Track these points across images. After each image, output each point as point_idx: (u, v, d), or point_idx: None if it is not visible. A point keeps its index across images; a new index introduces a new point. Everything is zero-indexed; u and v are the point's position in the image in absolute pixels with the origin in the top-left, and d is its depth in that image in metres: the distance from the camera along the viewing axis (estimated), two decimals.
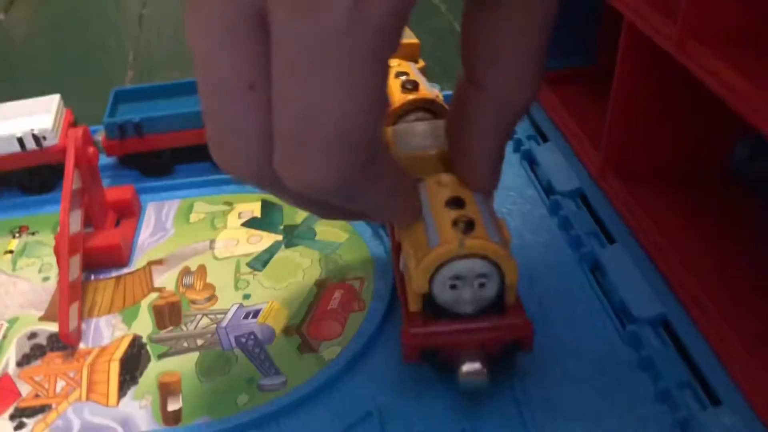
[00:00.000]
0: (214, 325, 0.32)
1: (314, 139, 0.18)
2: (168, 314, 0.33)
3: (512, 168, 0.41)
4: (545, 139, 0.42)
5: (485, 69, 0.23)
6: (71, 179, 0.34)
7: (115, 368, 0.31)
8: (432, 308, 0.26)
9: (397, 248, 0.29)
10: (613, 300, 0.31)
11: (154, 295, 0.34)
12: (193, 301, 0.34)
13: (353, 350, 0.30)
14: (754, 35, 0.27)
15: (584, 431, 0.26)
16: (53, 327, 0.33)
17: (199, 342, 0.31)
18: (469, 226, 0.25)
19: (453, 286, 0.25)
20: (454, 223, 0.25)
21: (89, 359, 0.31)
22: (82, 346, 0.32)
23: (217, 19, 0.18)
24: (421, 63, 0.42)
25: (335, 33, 0.17)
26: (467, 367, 0.26)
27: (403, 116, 0.34)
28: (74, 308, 0.32)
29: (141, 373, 0.30)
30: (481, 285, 0.25)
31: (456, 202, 0.26)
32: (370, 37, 0.17)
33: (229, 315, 0.33)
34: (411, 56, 0.41)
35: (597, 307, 0.31)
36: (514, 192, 0.39)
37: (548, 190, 0.38)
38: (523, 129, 0.43)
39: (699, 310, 0.29)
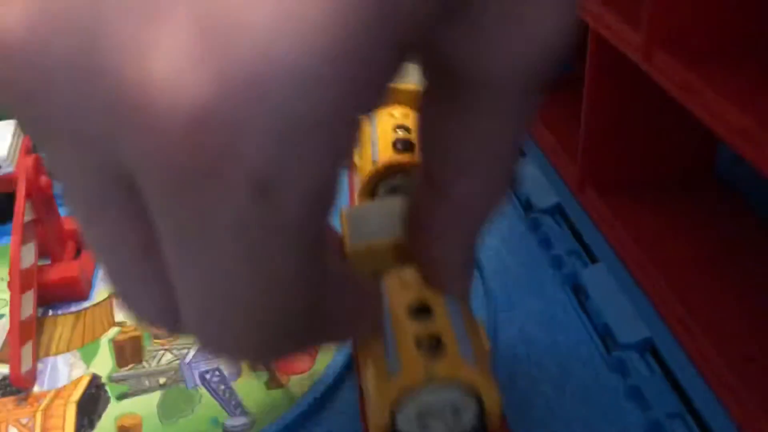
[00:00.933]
0: (178, 361, 0.30)
1: (229, 323, 0.14)
2: (129, 350, 0.31)
3: None
4: (522, 154, 0.40)
5: (450, 177, 0.18)
6: (22, 211, 0.32)
7: (71, 412, 0.29)
8: None
9: (355, 353, 0.24)
10: (597, 324, 0.30)
11: (115, 330, 0.32)
12: (156, 336, 0.32)
13: (325, 383, 0.28)
14: (723, 43, 0.26)
15: None
16: (4, 369, 0.31)
17: (161, 380, 0.30)
18: (438, 346, 0.20)
19: (422, 423, 0.20)
20: (418, 342, 0.20)
21: (44, 403, 0.29)
22: (36, 388, 0.30)
23: (81, 186, 0.14)
24: None
25: (233, 224, 0.12)
26: None
27: (384, 179, 0.29)
28: (27, 348, 0.30)
29: (99, 416, 0.28)
30: (457, 414, 0.20)
31: (421, 310, 0.21)
32: (285, 228, 0.12)
33: (194, 349, 0.31)
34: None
35: (580, 331, 0.30)
36: None
37: (527, 206, 0.37)
38: None
39: (686, 332, 0.27)
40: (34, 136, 0.13)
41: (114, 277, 0.15)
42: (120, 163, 0.12)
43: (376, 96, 0.12)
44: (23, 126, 0.13)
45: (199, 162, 0.11)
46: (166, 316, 0.15)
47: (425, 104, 0.17)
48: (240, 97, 0.11)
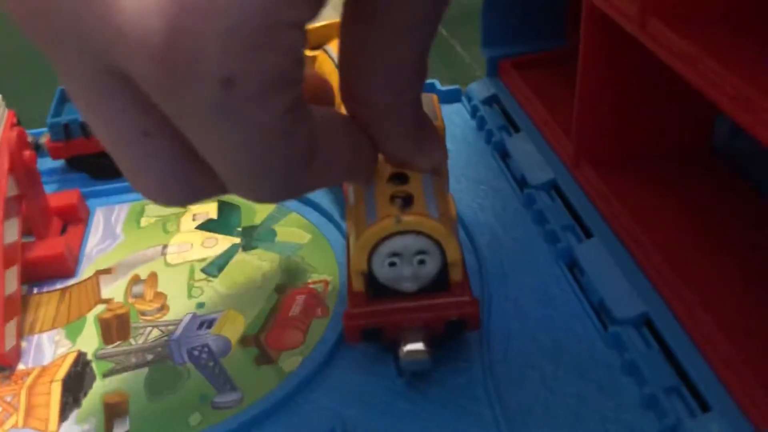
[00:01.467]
0: (165, 338, 0.30)
1: (242, 178, 0.18)
2: (115, 327, 0.31)
3: (484, 161, 0.39)
4: (517, 129, 0.40)
5: (357, 86, 0.22)
6: (5, 186, 0.31)
7: (56, 390, 0.28)
8: (374, 287, 0.25)
9: (347, 225, 0.28)
10: (593, 299, 0.29)
11: (101, 308, 0.32)
12: (143, 312, 0.31)
13: (315, 360, 0.28)
14: (720, 12, 0.25)
15: None
16: None
17: (149, 357, 0.29)
18: (407, 201, 0.24)
19: (392, 264, 0.24)
20: (392, 198, 0.24)
21: (28, 381, 0.28)
22: (20, 366, 0.29)
23: (82, 83, 0.17)
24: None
25: (209, 113, 0.16)
26: (409, 346, 0.25)
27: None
28: (11, 325, 0.30)
29: (85, 394, 0.28)
30: (421, 262, 0.25)
31: (399, 178, 0.25)
32: (251, 111, 0.16)
33: (182, 326, 0.30)
34: None
35: (576, 307, 0.30)
36: (485, 186, 0.37)
37: (521, 182, 0.36)
38: (493, 119, 0.41)
39: (682, 306, 0.27)
40: (43, 46, 0.17)
41: (119, 157, 0.18)
42: (117, 65, 0.16)
43: (310, 4, 0.16)
44: (34, 38, 0.17)
45: (176, 68, 0.15)
46: (171, 191, 0.19)
47: (342, 25, 0.21)
48: (199, 13, 0.14)
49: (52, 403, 0.27)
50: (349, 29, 0.21)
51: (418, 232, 0.24)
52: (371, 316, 0.25)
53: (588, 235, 0.32)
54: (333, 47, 0.34)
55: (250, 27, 0.15)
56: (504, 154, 0.39)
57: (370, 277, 0.25)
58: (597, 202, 0.33)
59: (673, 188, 0.32)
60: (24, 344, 0.30)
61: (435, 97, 0.29)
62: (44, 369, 0.29)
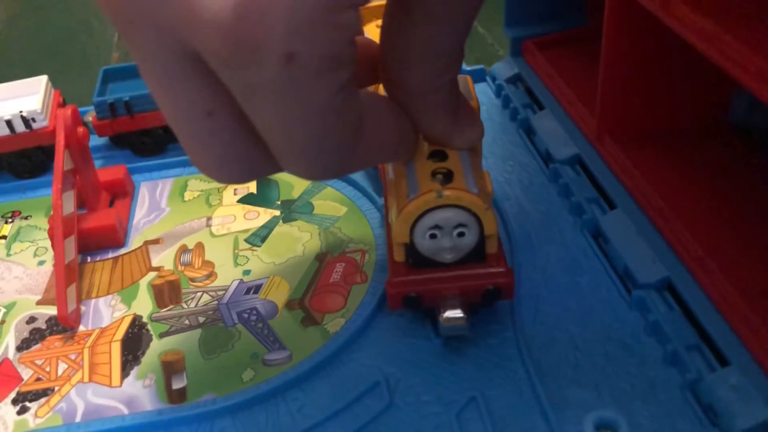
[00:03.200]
0: (215, 302, 0.32)
1: (296, 154, 0.20)
2: (167, 293, 0.33)
3: (509, 137, 0.41)
4: (541, 107, 0.41)
5: (396, 70, 0.23)
6: (62, 160, 0.33)
7: (116, 349, 0.30)
8: (415, 258, 0.27)
9: (386, 192, 0.30)
10: (617, 266, 0.31)
11: (152, 275, 0.34)
12: (192, 279, 0.33)
13: (357, 322, 0.30)
14: None
15: (594, 396, 0.26)
16: (51, 310, 0.32)
17: (201, 319, 0.31)
18: (448, 177, 0.26)
19: (432, 236, 0.26)
20: (433, 174, 0.26)
21: (89, 341, 0.31)
22: (81, 328, 0.31)
23: (154, 61, 0.19)
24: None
25: (272, 87, 0.17)
26: (448, 313, 0.27)
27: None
28: (71, 290, 0.32)
29: (143, 353, 0.30)
30: (460, 234, 0.26)
31: (438, 155, 0.27)
32: (309, 86, 0.18)
33: (230, 291, 0.32)
34: None
35: (601, 273, 0.31)
36: (512, 161, 0.39)
37: (546, 158, 0.38)
38: (518, 97, 0.42)
39: (702, 271, 0.29)
40: (122, 26, 0.18)
41: (183, 135, 0.20)
42: (190, 44, 0.17)
43: None
44: (114, 18, 0.18)
45: (243, 44, 0.17)
46: (231, 171, 0.21)
47: (386, 12, 0.22)
48: None
49: (113, 361, 0.30)
50: (393, 15, 0.22)
51: (458, 206, 0.25)
52: (412, 285, 0.27)
53: (612, 206, 0.34)
54: (368, 31, 0.36)
55: (312, 7, 0.17)
56: (529, 131, 0.40)
57: (411, 248, 0.27)
58: (620, 175, 0.34)
59: (692, 161, 0.34)
60: (83, 308, 0.32)
61: (469, 78, 0.31)
62: (103, 330, 0.31)
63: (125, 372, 0.29)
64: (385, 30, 0.23)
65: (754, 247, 0.29)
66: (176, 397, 0.28)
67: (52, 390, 0.29)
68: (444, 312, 0.27)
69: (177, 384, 0.28)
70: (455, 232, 0.26)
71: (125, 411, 0.27)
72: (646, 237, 0.31)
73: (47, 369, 0.29)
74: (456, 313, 0.27)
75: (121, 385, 0.29)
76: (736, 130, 0.35)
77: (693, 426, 0.25)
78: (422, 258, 0.27)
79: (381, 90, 0.26)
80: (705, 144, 0.35)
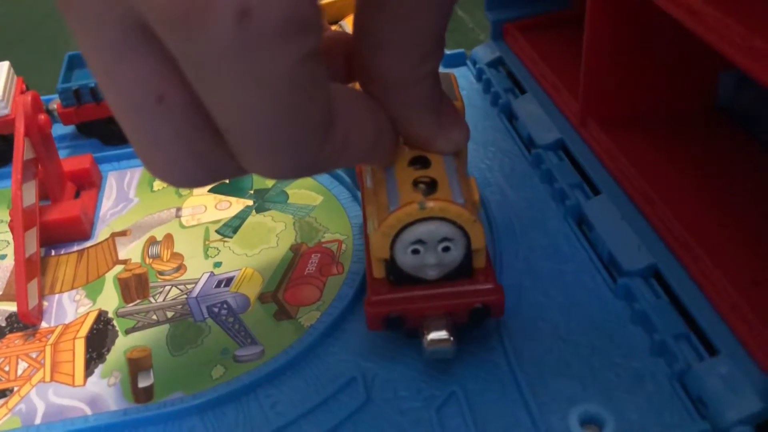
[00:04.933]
0: (185, 296, 0.30)
1: (258, 145, 0.17)
2: (134, 287, 0.31)
3: (490, 122, 0.39)
4: (523, 91, 0.40)
5: (371, 58, 0.21)
6: (22, 149, 0.31)
7: (80, 346, 0.29)
8: (396, 274, 0.25)
9: (363, 201, 0.27)
10: (602, 253, 0.30)
11: (119, 268, 0.32)
12: (161, 272, 0.32)
13: (332, 315, 0.28)
14: None
15: (578, 388, 0.25)
16: (12, 307, 0.31)
17: (169, 314, 0.30)
18: (431, 186, 0.23)
19: (415, 251, 0.24)
20: (415, 183, 0.23)
21: (52, 338, 0.29)
22: (44, 324, 0.30)
23: (100, 37, 0.16)
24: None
25: (225, 53, 0.15)
26: (432, 335, 0.24)
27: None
28: (33, 285, 0.30)
29: (108, 350, 0.28)
30: (446, 249, 0.24)
31: (420, 161, 0.24)
32: (268, 52, 0.15)
33: (200, 284, 0.31)
34: None
35: (585, 261, 0.30)
36: (493, 147, 0.38)
37: (529, 143, 0.37)
38: (499, 81, 0.41)
39: (690, 257, 0.28)
40: (64, 4, 0.16)
41: (130, 125, 0.18)
42: (135, 11, 0.15)
43: None
44: None
45: (187, 7, 0.14)
46: (183, 167, 0.18)
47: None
48: None
49: (77, 359, 0.28)
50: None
51: (443, 219, 0.23)
52: (393, 304, 0.25)
53: (596, 192, 0.32)
54: (349, 23, 0.34)
55: None
56: (511, 116, 0.39)
57: (391, 264, 0.24)
58: (604, 160, 0.33)
59: (678, 144, 0.33)
60: (45, 304, 0.31)
61: (452, 75, 0.29)
62: (67, 327, 0.30)
63: (89, 370, 0.28)
64: (357, 11, 0.21)
65: (743, 232, 0.28)
66: (142, 396, 0.26)
67: (11, 390, 0.27)
68: (428, 334, 0.24)
69: (143, 382, 0.27)
70: (440, 247, 0.23)
71: (88, 411, 0.26)
72: (631, 223, 0.30)
73: (6, 368, 0.28)
74: (441, 335, 0.24)
75: (84, 384, 0.27)
76: (722, 113, 0.34)
77: (681, 418, 0.24)
78: (404, 275, 0.24)
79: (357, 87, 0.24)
80: (690, 127, 0.34)
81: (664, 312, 0.26)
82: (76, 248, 0.34)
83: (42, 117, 0.33)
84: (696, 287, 0.27)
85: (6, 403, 0.27)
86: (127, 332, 0.29)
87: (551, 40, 0.41)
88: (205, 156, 0.18)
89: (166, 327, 0.29)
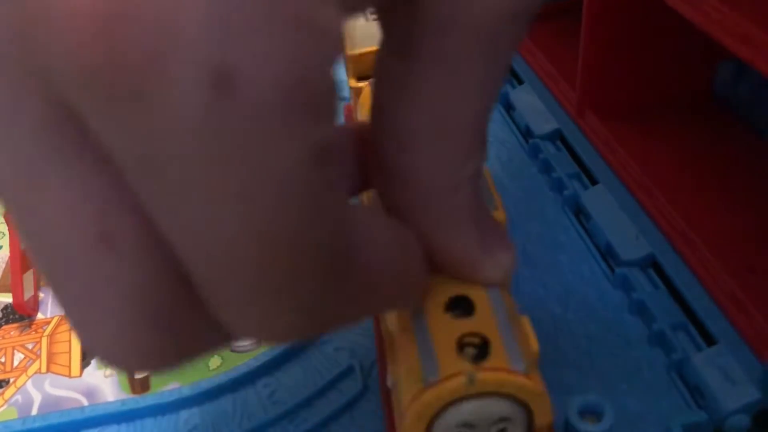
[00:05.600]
0: None
1: (240, 293, 0.11)
2: None
3: None
4: (520, 81, 0.40)
5: (397, 154, 0.15)
6: None
7: (77, 337, 0.29)
8: None
9: (382, 348, 0.21)
10: (599, 243, 0.30)
11: None
12: None
13: None
14: None
15: (577, 379, 0.25)
16: (7, 298, 0.31)
17: None
18: (483, 349, 0.17)
19: None
20: (461, 345, 0.17)
21: (48, 329, 0.29)
22: (40, 315, 0.30)
23: (12, 137, 0.10)
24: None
25: (191, 140, 0.09)
26: None
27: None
28: (29, 276, 0.30)
29: None
30: (502, 431, 0.17)
31: (460, 305, 0.17)
32: (259, 139, 0.10)
33: None
34: None
35: (583, 251, 0.30)
36: (490, 137, 0.37)
37: (526, 133, 0.37)
38: None
39: (688, 247, 0.28)
40: None
41: (59, 282, 0.11)
42: (55, 87, 0.10)
43: None
44: None
45: (126, 62, 0.09)
46: (127, 340, 0.12)
47: (379, 64, 0.15)
48: None
49: (73, 350, 0.28)
50: (389, 68, 0.14)
51: (499, 394, 0.17)
52: None
53: (593, 182, 0.32)
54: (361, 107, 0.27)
55: None
56: (508, 106, 0.39)
57: None
58: (602, 150, 0.33)
59: (675, 135, 0.33)
60: (41, 295, 0.31)
61: (487, 171, 0.23)
62: (63, 318, 0.30)
63: (85, 361, 0.28)
64: (378, 93, 0.15)
65: (741, 221, 0.28)
66: (139, 386, 0.26)
67: (7, 382, 0.27)
68: None
69: (140, 373, 0.27)
70: (493, 429, 0.17)
71: (85, 402, 0.26)
72: (629, 213, 0.30)
73: (2, 360, 0.28)
74: None
75: (81, 375, 0.27)
76: (720, 103, 0.34)
77: (679, 408, 0.24)
78: None
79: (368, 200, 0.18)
80: (689, 118, 0.34)
81: (662, 302, 0.26)
82: None
83: None
84: (694, 277, 0.27)
85: (2, 394, 0.27)
86: None
87: (549, 30, 0.41)
88: (172, 322, 0.12)
89: None
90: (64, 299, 0.12)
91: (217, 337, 0.13)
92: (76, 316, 0.12)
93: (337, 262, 0.12)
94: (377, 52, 0.15)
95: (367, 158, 0.16)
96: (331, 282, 0.12)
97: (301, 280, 0.11)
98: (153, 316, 0.12)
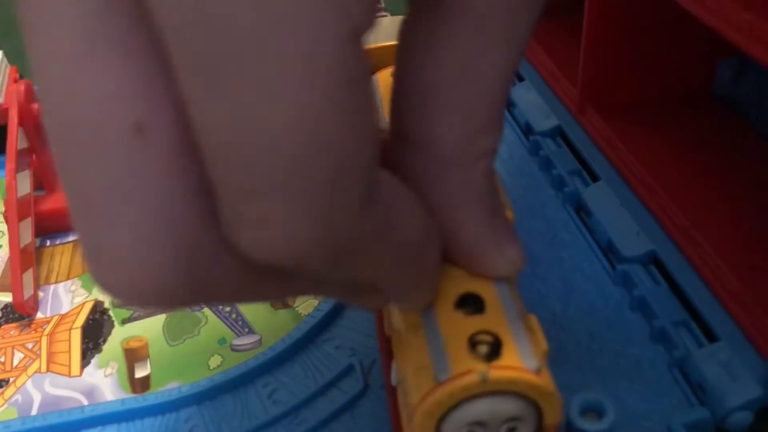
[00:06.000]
0: None
1: (275, 182, 0.11)
2: None
3: None
4: (520, 78, 0.40)
5: (415, 119, 0.15)
6: (16, 138, 0.31)
7: (76, 336, 0.29)
8: None
9: (386, 345, 0.21)
10: (600, 240, 0.30)
11: None
12: None
13: (330, 302, 0.28)
14: None
15: (578, 376, 0.25)
16: (7, 297, 0.30)
17: None
18: (495, 347, 0.16)
19: None
20: (473, 343, 0.16)
21: (48, 328, 0.29)
22: (39, 315, 0.30)
23: (65, 20, 0.11)
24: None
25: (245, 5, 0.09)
26: None
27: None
28: (28, 275, 0.30)
29: (105, 340, 0.28)
30: (511, 430, 0.17)
31: (471, 302, 0.17)
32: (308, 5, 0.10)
33: None
34: None
35: (584, 248, 0.30)
36: None
37: (526, 130, 0.37)
38: None
39: (689, 243, 0.27)
40: None
41: (81, 176, 0.11)
42: None
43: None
44: None
45: None
46: (145, 256, 0.11)
47: (403, 31, 0.14)
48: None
49: (73, 349, 0.28)
50: (412, 29, 0.14)
51: (512, 393, 0.16)
52: None
53: (594, 178, 0.32)
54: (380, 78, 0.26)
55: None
56: (509, 103, 0.39)
57: None
58: (603, 147, 0.33)
59: (676, 132, 0.33)
60: (41, 294, 0.31)
61: (496, 175, 0.22)
62: (63, 317, 0.29)
63: (85, 361, 0.28)
64: (403, 56, 0.15)
65: (743, 218, 0.28)
66: (139, 386, 0.26)
67: (7, 381, 0.27)
68: None
69: (140, 372, 0.27)
70: (503, 428, 0.17)
71: (85, 402, 0.26)
72: (630, 209, 0.30)
73: (2, 359, 0.28)
74: None
75: (80, 375, 0.27)
76: (720, 101, 0.34)
77: (681, 405, 0.24)
78: None
79: None
80: (690, 115, 0.33)
81: (664, 298, 0.26)
82: (71, 238, 0.33)
83: (36, 106, 0.33)
84: (695, 273, 0.27)
85: (2, 393, 0.27)
86: (123, 322, 0.29)
87: (549, 27, 0.41)
88: (188, 241, 0.11)
89: (162, 317, 0.29)
90: (83, 207, 0.11)
91: (230, 270, 0.12)
92: (92, 228, 0.12)
93: (367, 192, 0.12)
94: (405, 13, 0.15)
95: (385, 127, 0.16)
96: (357, 201, 0.12)
97: (333, 185, 0.11)
98: (171, 230, 0.11)
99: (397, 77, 0.15)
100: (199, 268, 0.12)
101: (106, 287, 0.12)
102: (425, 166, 0.15)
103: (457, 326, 0.17)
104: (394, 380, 0.19)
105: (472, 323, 0.17)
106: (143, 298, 0.12)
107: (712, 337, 0.25)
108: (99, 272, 0.12)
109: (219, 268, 0.12)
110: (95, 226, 0.11)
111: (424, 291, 0.16)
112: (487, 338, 0.16)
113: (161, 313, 0.26)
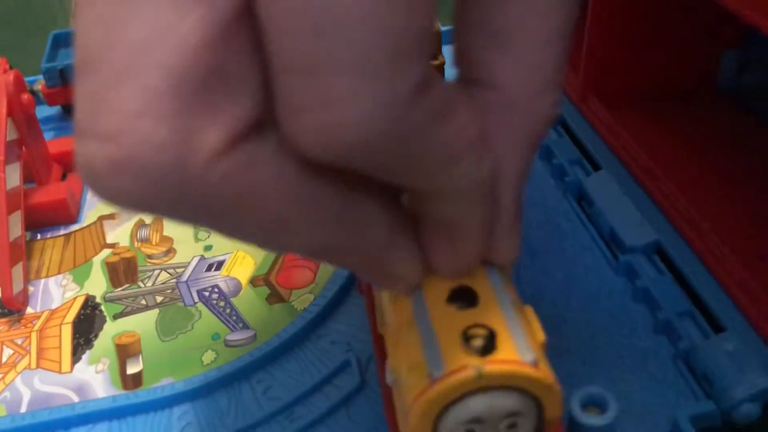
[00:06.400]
0: (174, 280, 0.30)
1: (342, 57, 0.11)
2: (123, 271, 0.30)
3: None
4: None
5: (490, 57, 0.15)
6: (4, 130, 0.30)
7: (67, 332, 0.28)
8: None
9: (379, 344, 0.20)
10: (603, 230, 0.29)
11: (107, 252, 0.31)
12: (150, 256, 0.31)
13: (326, 298, 0.28)
14: None
15: (580, 369, 0.25)
16: None
17: (159, 299, 0.29)
18: (490, 341, 0.16)
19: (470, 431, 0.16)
20: (467, 337, 0.16)
21: (38, 324, 0.28)
22: (29, 310, 0.29)
23: None
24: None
25: None
26: None
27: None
28: (18, 270, 0.29)
29: (96, 336, 0.28)
30: (512, 426, 0.16)
31: (463, 296, 0.17)
32: None
33: (190, 268, 0.30)
34: None
35: (586, 238, 0.29)
36: None
37: None
38: None
39: (694, 232, 0.27)
40: None
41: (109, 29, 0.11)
42: None
43: None
44: None
45: None
46: (156, 121, 0.11)
47: None
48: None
49: (64, 345, 0.27)
50: None
51: (509, 387, 0.16)
52: None
53: (596, 167, 0.32)
54: None
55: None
56: None
57: None
58: (605, 135, 0.32)
59: (680, 121, 0.32)
60: (31, 289, 0.30)
61: None
62: (53, 312, 0.29)
63: (76, 357, 0.27)
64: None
65: (748, 207, 0.27)
66: (131, 382, 0.26)
67: None
68: None
69: (132, 368, 0.26)
70: (503, 424, 0.16)
71: (76, 399, 0.25)
72: (633, 198, 0.29)
73: None
74: None
75: (71, 371, 0.26)
76: (724, 92, 0.33)
77: (686, 398, 0.23)
78: None
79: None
80: (693, 105, 0.33)
81: (668, 289, 0.26)
82: (62, 232, 0.33)
83: (25, 97, 0.32)
84: (700, 263, 0.26)
85: None
86: (115, 317, 0.28)
87: None
88: (205, 96, 0.11)
89: (155, 312, 0.28)
90: (99, 60, 0.11)
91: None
92: (104, 84, 0.11)
93: (423, 78, 0.12)
94: None
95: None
96: (413, 89, 0.12)
97: (395, 65, 0.11)
98: (192, 86, 0.11)
99: (461, 14, 0.15)
100: (202, 132, 0.11)
101: (98, 161, 0.11)
102: (491, 107, 0.15)
103: (450, 321, 0.16)
104: (388, 379, 0.18)
105: (466, 317, 0.16)
106: (135, 178, 0.11)
107: (718, 328, 0.24)
108: (97, 137, 0.11)
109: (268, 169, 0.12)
110: (109, 82, 0.11)
111: (472, 204, 0.15)
112: (482, 332, 0.16)
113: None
